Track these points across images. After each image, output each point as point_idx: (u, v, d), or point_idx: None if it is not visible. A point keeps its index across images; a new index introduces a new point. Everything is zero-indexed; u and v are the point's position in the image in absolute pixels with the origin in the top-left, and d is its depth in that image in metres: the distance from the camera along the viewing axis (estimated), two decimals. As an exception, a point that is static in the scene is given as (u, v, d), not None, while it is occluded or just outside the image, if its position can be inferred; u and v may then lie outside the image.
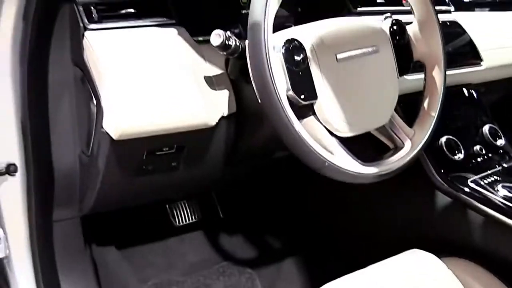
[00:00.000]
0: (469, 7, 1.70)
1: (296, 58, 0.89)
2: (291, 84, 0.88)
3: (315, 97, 0.91)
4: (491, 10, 1.78)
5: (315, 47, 0.91)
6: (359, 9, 1.32)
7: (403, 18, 1.13)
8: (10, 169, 1.09)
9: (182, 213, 1.69)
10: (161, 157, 1.09)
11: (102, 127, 0.99)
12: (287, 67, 0.88)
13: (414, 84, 1.22)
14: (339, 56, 0.94)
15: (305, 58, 0.90)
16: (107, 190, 1.16)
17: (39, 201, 1.16)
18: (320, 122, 0.94)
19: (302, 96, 0.89)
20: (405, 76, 1.12)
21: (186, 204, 1.70)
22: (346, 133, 0.97)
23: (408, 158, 1.01)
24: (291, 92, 0.88)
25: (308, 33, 0.93)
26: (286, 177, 1.71)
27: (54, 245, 1.31)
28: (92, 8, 1.00)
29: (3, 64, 1.01)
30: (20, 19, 0.98)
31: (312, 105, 0.93)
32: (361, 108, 0.99)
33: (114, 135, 0.95)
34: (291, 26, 1.15)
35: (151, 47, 1.00)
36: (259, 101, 0.87)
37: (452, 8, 1.56)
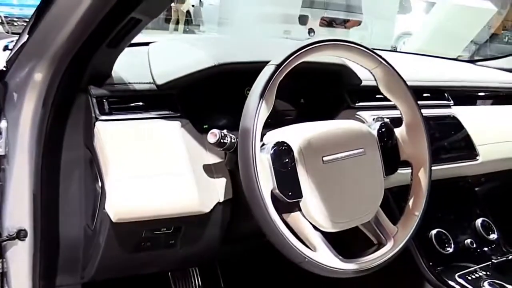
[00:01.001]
0: (470, 101, 1.75)
1: (284, 159, 0.97)
2: (277, 183, 0.95)
3: (300, 195, 0.98)
4: (493, 104, 1.84)
5: (303, 150, 0.99)
6: (357, 104, 1.40)
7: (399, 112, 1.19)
8: (20, 234, 1.18)
9: (183, 282, 1.74)
10: (159, 236, 1.16)
11: (104, 208, 1.07)
12: (274, 168, 0.95)
13: (403, 178, 1.27)
14: (326, 158, 1.01)
15: (292, 159, 0.98)
16: (108, 262, 1.22)
17: (44, 266, 1.23)
18: (305, 218, 1.00)
19: (288, 195, 0.96)
20: None
21: (189, 273, 1.74)
22: (330, 229, 1.03)
23: (388, 257, 1.05)
24: (277, 191, 0.96)
25: (297, 136, 1.01)
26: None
27: None
28: (104, 100, 1.11)
29: (23, 142, 1.12)
30: (40, 105, 1.09)
31: (298, 202, 1.00)
32: (346, 206, 1.05)
33: (113, 218, 1.03)
34: (292, 117, 1.23)
35: (155, 138, 1.10)
36: (246, 197, 0.94)
37: (451, 103, 1.62)
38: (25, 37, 1.06)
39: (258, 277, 1.85)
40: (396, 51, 4.05)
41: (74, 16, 0.93)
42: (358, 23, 6.42)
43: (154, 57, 1.23)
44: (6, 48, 1.64)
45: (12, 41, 1.82)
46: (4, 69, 1.13)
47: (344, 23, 6.44)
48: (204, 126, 1.22)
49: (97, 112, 1.09)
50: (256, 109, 0.93)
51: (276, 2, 6.21)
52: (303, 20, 6.01)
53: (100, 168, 1.07)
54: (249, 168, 0.91)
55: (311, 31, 5.97)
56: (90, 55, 1.04)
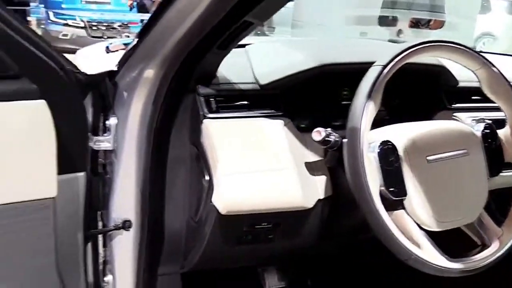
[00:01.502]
0: None
1: (389, 158, 0.99)
2: (384, 181, 0.98)
3: (404, 194, 1.00)
4: None
5: (408, 149, 1.00)
6: (454, 105, 1.38)
7: (496, 114, 1.18)
8: (125, 225, 1.26)
9: (272, 277, 1.78)
10: (259, 230, 1.21)
11: (211, 201, 1.13)
12: (381, 166, 0.98)
13: (506, 180, 1.24)
14: (430, 157, 1.02)
15: (397, 158, 0.99)
16: (210, 253, 1.29)
17: (149, 255, 1.31)
18: (410, 216, 1.02)
19: (393, 193, 0.98)
20: None
21: (277, 269, 1.78)
22: (434, 228, 1.03)
23: (494, 258, 1.05)
24: (383, 188, 0.98)
25: (401, 135, 1.03)
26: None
27: None
28: (212, 99, 1.17)
29: (131, 138, 1.20)
30: (150, 104, 1.17)
31: (402, 200, 1.01)
32: (450, 206, 1.05)
33: (222, 210, 1.09)
34: (386, 116, 1.24)
35: (260, 135, 1.15)
36: (353, 194, 0.97)
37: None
38: (137, 40, 1.14)
39: (343, 276, 1.86)
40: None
41: (188, 20, 0.99)
42: (442, 24, 6.25)
43: (254, 58, 1.29)
44: (108, 50, 1.76)
45: (111, 43, 1.94)
46: (116, 69, 1.21)
47: (428, 24, 6.30)
48: (301, 126, 1.26)
49: (205, 110, 1.15)
50: (363, 109, 0.96)
51: (354, 3, 6.19)
52: (383, 21, 5.94)
53: (208, 163, 1.13)
54: (357, 166, 0.93)
55: (400, 32, 5.87)
56: (200, 57, 1.11)
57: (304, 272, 1.85)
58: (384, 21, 6.00)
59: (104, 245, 1.29)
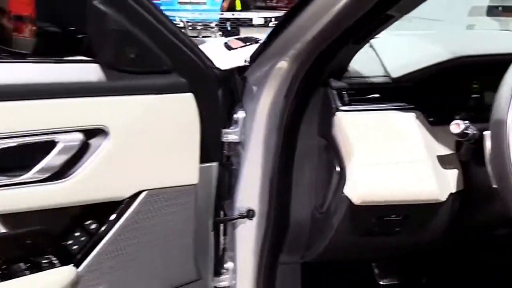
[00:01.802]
0: None
1: None
2: None
3: None
4: None
5: None
6: None
7: None
8: (249, 214, 1.32)
9: (386, 273, 1.77)
10: (387, 222, 1.22)
11: (342, 192, 1.16)
12: None
13: None
14: None
15: None
16: (335, 244, 1.31)
17: (272, 243, 1.36)
18: None
19: None
20: None
21: (391, 265, 1.78)
22: None
23: None
24: None
25: None
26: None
27: (275, 285, 1.49)
28: (344, 92, 1.20)
29: (258, 131, 1.25)
30: (281, 97, 1.21)
31: None
32: None
33: (355, 200, 1.11)
34: None
35: (393, 128, 1.16)
36: (496, 186, 0.94)
37: None
38: (270, 36, 1.18)
39: (461, 275, 1.81)
40: None
41: (327, 16, 1.01)
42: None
43: (382, 52, 1.29)
44: (229, 47, 1.82)
45: (228, 40, 2.01)
46: (246, 64, 1.26)
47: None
48: (430, 119, 1.24)
49: (337, 103, 1.18)
50: (510, 100, 0.93)
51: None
52: (492, 11, 5.63)
53: (340, 155, 1.16)
54: (503, 158, 0.91)
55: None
56: (336, 51, 1.13)
57: (419, 270, 1.82)
58: (493, 11, 5.68)
59: (224, 234, 1.35)
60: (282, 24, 1.13)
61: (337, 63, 1.19)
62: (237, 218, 1.32)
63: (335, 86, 1.20)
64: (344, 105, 1.18)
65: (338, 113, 1.18)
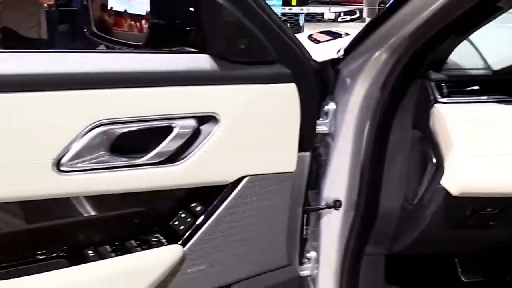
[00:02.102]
0: None
1: None
2: None
3: None
4: None
5: None
6: None
7: None
8: (336, 204, 1.34)
9: (469, 269, 1.74)
10: (483, 215, 1.22)
11: (439, 183, 1.16)
12: None
13: None
14: None
15: None
16: (425, 236, 1.32)
17: (358, 234, 1.37)
18: None
19: None
20: None
21: (477, 261, 1.74)
22: None
23: None
24: None
25: None
26: None
27: (359, 275, 1.51)
28: (443, 84, 1.20)
29: (349, 122, 1.26)
30: (376, 89, 1.22)
31: None
32: None
33: (454, 191, 1.12)
34: None
35: (493, 120, 1.15)
36: None
37: None
38: (367, 29, 1.20)
39: None
40: None
41: (432, 8, 1.02)
42: None
43: (482, 44, 1.28)
44: (315, 40, 1.84)
45: (311, 34, 2.03)
46: (341, 57, 1.28)
47: None
48: None
49: (436, 95, 1.19)
50: None
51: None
52: None
53: (438, 146, 1.16)
54: None
55: None
56: (437, 43, 1.14)
57: (503, 266, 1.78)
58: None
59: (307, 223, 1.38)
60: (383, 16, 1.14)
61: (437, 55, 1.19)
62: (324, 208, 1.34)
63: (434, 78, 1.21)
64: (443, 97, 1.19)
65: (436, 105, 1.18)
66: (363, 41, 1.21)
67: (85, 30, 1.27)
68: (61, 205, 1.04)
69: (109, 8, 1.41)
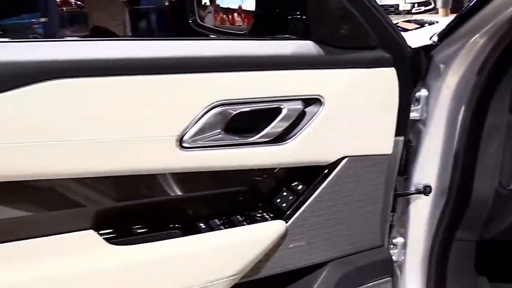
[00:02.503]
0: None
1: None
2: None
3: None
4: None
5: None
6: None
7: None
8: (426, 190, 1.36)
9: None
10: None
11: None
12: None
13: None
14: None
15: None
16: None
17: (450, 220, 1.39)
18: None
19: None
20: None
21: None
22: None
23: None
24: None
25: None
26: None
27: (448, 261, 1.52)
28: None
29: (441, 107, 1.28)
30: (473, 73, 1.24)
31: None
32: None
33: None
34: None
35: None
36: None
37: None
38: (463, 15, 1.21)
39: None
40: None
41: None
42: None
43: None
44: (402, 29, 1.85)
45: (396, 22, 2.04)
46: (434, 43, 1.30)
47: None
48: None
49: None
50: None
51: None
52: None
53: None
54: None
55: None
56: None
57: None
58: None
59: (393, 210, 1.40)
60: (480, 2, 1.16)
61: None
62: (414, 193, 1.37)
63: None
64: None
65: None
66: (459, 27, 1.22)
67: (190, 21, 1.36)
68: (179, 181, 1.13)
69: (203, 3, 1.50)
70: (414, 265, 1.45)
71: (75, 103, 0.90)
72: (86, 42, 0.96)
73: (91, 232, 1.01)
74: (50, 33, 5.56)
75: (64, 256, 0.99)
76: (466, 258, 1.55)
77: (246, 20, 1.19)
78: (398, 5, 4.56)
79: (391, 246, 1.42)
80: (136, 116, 0.96)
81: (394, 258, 1.41)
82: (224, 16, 1.19)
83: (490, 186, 1.38)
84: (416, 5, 4.75)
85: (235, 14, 1.13)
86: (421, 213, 1.40)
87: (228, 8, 1.17)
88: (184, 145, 1.00)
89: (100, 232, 1.02)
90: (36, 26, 5.49)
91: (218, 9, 1.22)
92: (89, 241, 1.00)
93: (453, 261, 1.50)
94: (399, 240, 1.43)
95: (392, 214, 1.40)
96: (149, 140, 0.97)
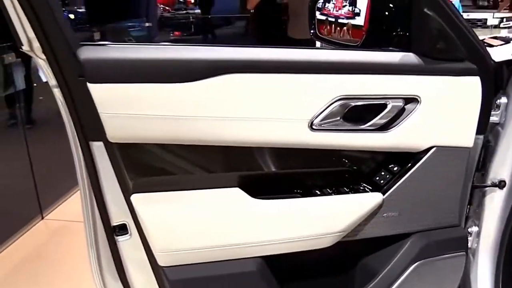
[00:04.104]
0: None
1: None
2: None
3: None
4: None
5: None
6: None
7: None
8: (501, 184, 1.59)
9: None
10: None
11: None
12: None
13: None
14: None
15: None
16: None
17: None
18: None
19: None
20: None
21: None
22: None
23: None
24: None
25: None
26: None
27: None
28: None
29: None
30: None
31: None
32: None
33: None
34: None
35: None
36: None
37: None
38: None
39: None
40: None
41: None
42: None
43: None
44: (489, 45, 2.11)
45: (484, 38, 2.27)
46: None
47: None
48: None
49: None
50: None
51: None
52: None
53: None
54: None
55: None
56: None
57: None
58: None
59: (470, 203, 1.64)
60: None
61: None
62: (490, 186, 1.60)
63: None
64: None
65: None
66: None
67: (311, 33, 1.70)
68: (305, 157, 1.48)
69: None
70: (485, 253, 1.67)
71: (243, 90, 1.27)
72: (250, 48, 1.32)
73: (238, 189, 1.38)
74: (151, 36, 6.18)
75: (220, 203, 1.36)
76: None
77: (352, 33, 1.44)
78: (486, 19, 4.65)
79: (467, 234, 1.65)
80: (283, 103, 1.30)
81: (468, 245, 1.64)
82: (333, 28, 1.42)
83: None
84: (504, 19, 4.82)
85: (345, 28, 1.35)
86: (495, 205, 1.63)
87: (338, 22, 1.40)
88: (313, 127, 1.33)
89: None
90: (137, 29, 6.07)
91: (328, 23, 1.45)
92: (237, 195, 1.37)
93: None
94: (474, 229, 1.66)
95: (469, 206, 1.63)
96: (290, 121, 1.32)
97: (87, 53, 1.19)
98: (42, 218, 3.51)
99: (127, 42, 4.68)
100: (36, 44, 1.16)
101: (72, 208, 3.71)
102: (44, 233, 3.35)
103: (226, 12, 8.07)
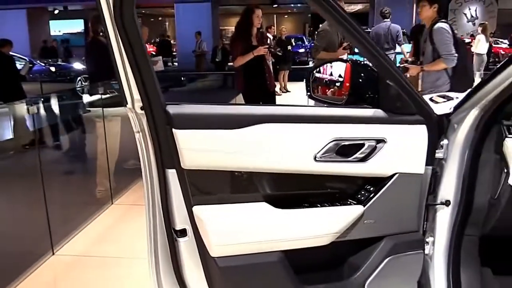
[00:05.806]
0: None
1: None
2: None
3: None
4: None
5: None
6: None
7: None
8: (447, 203, 2.10)
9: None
10: None
11: (507, 183, 2.02)
12: None
13: None
14: None
15: None
16: (502, 220, 2.08)
17: (461, 221, 2.11)
18: None
19: None
20: None
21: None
22: None
23: None
24: None
25: None
26: None
27: (460, 252, 2.17)
28: (510, 127, 2.04)
29: (456, 150, 2.08)
30: (473, 130, 2.15)
31: None
32: None
33: None
34: None
35: None
36: None
37: None
38: (468, 94, 2.13)
39: None
40: None
41: (504, 84, 1.88)
42: None
43: None
44: (434, 101, 2.81)
45: (431, 97, 2.95)
46: (451, 111, 2.14)
47: None
48: None
49: (506, 133, 2.01)
50: None
51: None
52: None
53: (508, 162, 2.02)
54: None
55: None
56: (508, 103, 2.05)
57: None
58: None
59: (426, 219, 2.14)
60: (477, 87, 1.98)
61: (509, 109, 2.06)
62: (440, 204, 2.04)
63: (505, 124, 2.06)
64: (510, 134, 2.04)
65: (507, 139, 2.00)
66: (466, 102, 1.93)
67: (307, 94, 2.37)
68: (310, 182, 2.09)
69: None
70: (439, 256, 2.10)
71: (272, 134, 1.89)
72: (277, 106, 1.97)
73: (264, 204, 1.99)
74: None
75: (254, 212, 1.95)
76: (473, 249, 2.17)
77: (340, 92, 2.11)
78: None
79: (426, 243, 2.05)
80: (297, 143, 1.91)
81: (426, 251, 2.05)
82: (333, 89, 1.94)
83: (485, 198, 2.07)
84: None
85: (335, 88, 1.86)
86: (444, 219, 2.07)
87: (330, 83, 1.91)
88: (316, 159, 1.95)
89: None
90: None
91: (322, 84, 1.98)
92: (264, 207, 1.98)
93: (464, 251, 2.11)
94: (430, 239, 2.08)
95: (425, 222, 2.06)
96: (301, 155, 1.93)
97: (173, 109, 1.81)
98: (53, 253, 3.86)
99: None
100: (139, 104, 1.77)
101: (82, 243, 4.07)
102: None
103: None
